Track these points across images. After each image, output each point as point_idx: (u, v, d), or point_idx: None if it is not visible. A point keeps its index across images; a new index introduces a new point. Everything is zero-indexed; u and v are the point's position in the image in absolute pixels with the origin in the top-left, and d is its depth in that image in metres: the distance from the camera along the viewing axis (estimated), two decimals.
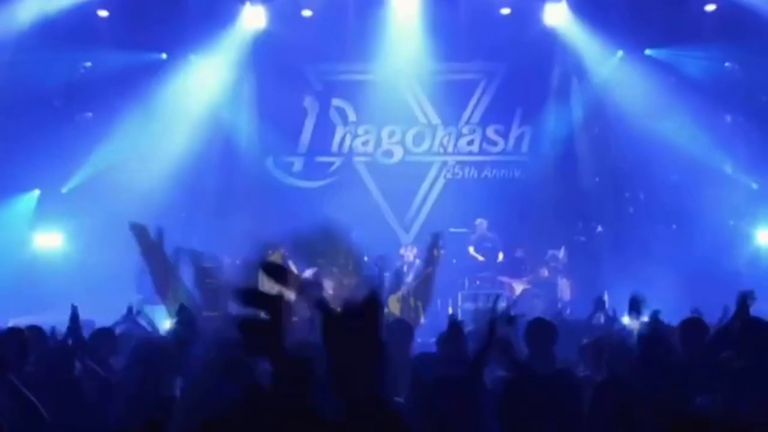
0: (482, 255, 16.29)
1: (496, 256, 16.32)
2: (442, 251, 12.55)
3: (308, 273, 6.49)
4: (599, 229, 16.56)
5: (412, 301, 12.90)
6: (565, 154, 16.79)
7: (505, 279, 15.80)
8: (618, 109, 16.05)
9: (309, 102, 17.29)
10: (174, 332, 6.29)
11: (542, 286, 15.59)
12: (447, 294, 15.28)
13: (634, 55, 16.28)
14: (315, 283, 2.57)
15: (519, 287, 15.55)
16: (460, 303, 15.47)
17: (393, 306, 12.82)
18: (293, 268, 2.40)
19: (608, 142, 16.42)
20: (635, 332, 6.83)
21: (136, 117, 15.78)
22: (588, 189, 16.72)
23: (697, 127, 15.51)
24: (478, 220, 16.31)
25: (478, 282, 15.98)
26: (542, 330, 5.89)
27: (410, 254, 15.12)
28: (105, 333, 6.67)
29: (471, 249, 16.27)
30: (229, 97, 16.64)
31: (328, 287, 8.48)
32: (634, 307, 7.36)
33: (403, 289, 12.82)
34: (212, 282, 8.09)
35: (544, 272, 15.67)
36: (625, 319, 7.96)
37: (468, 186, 17.29)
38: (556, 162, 16.88)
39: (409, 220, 17.39)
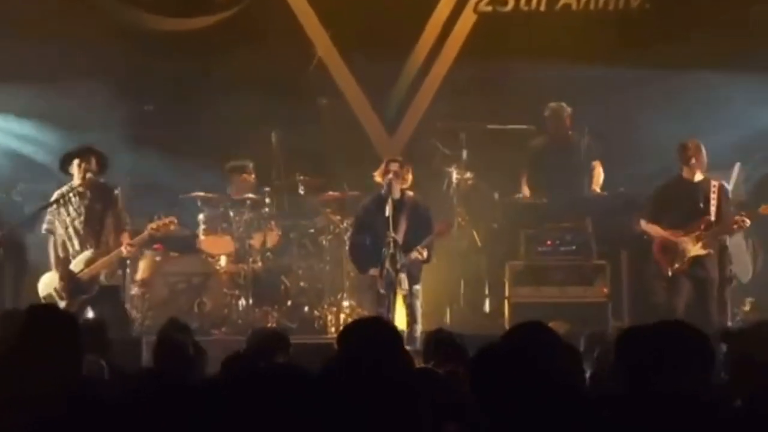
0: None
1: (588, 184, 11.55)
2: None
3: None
4: None
5: (403, 285, 9.64)
6: None
7: (652, 228, 10.37)
8: None
9: None
10: None
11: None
12: (482, 266, 11.52)
13: None
14: None
15: (694, 248, 10.27)
16: (508, 290, 10.64)
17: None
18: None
19: None
20: None
21: None
22: None
23: None
24: (552, 105, 11.27)
25: (550, 242, 11.00)
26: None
27: (397, 179, 10.09)
28: None
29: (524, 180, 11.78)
30: None
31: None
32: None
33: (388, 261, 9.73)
34: None
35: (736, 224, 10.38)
36: None
37: (526, 26, 12.62)
38: None
39: (396, 106, 13.10)
